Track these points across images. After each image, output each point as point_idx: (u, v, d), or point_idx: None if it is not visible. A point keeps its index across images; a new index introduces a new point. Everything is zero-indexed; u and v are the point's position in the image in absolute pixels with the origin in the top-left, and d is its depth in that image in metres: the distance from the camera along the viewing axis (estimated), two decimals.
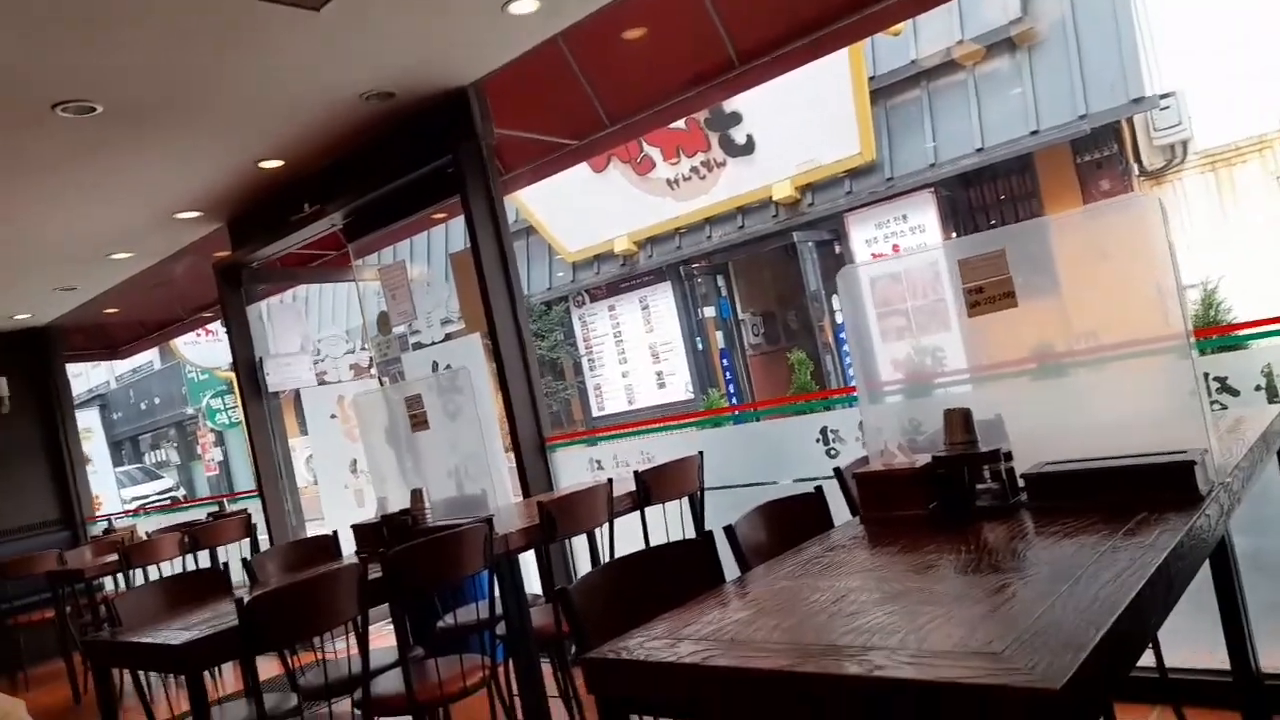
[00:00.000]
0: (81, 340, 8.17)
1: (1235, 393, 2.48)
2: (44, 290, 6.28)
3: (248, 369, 5.44)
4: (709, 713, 1.26)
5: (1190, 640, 2.36)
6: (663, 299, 12.84)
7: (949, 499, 1.76)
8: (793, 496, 2.01)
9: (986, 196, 10.27)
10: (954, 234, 10.10)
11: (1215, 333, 2.92)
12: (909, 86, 10.10)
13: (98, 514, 7.46)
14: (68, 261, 5.66)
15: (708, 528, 3.13)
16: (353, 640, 2.37)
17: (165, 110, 3.65)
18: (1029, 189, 9.96)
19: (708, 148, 11.35)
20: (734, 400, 12.00)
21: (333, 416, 5.62)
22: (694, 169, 11.55)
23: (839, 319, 10.98)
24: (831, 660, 1.09)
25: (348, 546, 3.12)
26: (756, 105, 10.51)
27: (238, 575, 3.06)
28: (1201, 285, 7.05)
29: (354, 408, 4.39)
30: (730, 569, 1.72)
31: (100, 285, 6.37)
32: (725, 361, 12.53)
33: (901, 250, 10.05)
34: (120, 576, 4.64)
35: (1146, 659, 2.37)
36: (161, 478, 19.64)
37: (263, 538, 5.21)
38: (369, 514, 3.36)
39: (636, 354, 13.22)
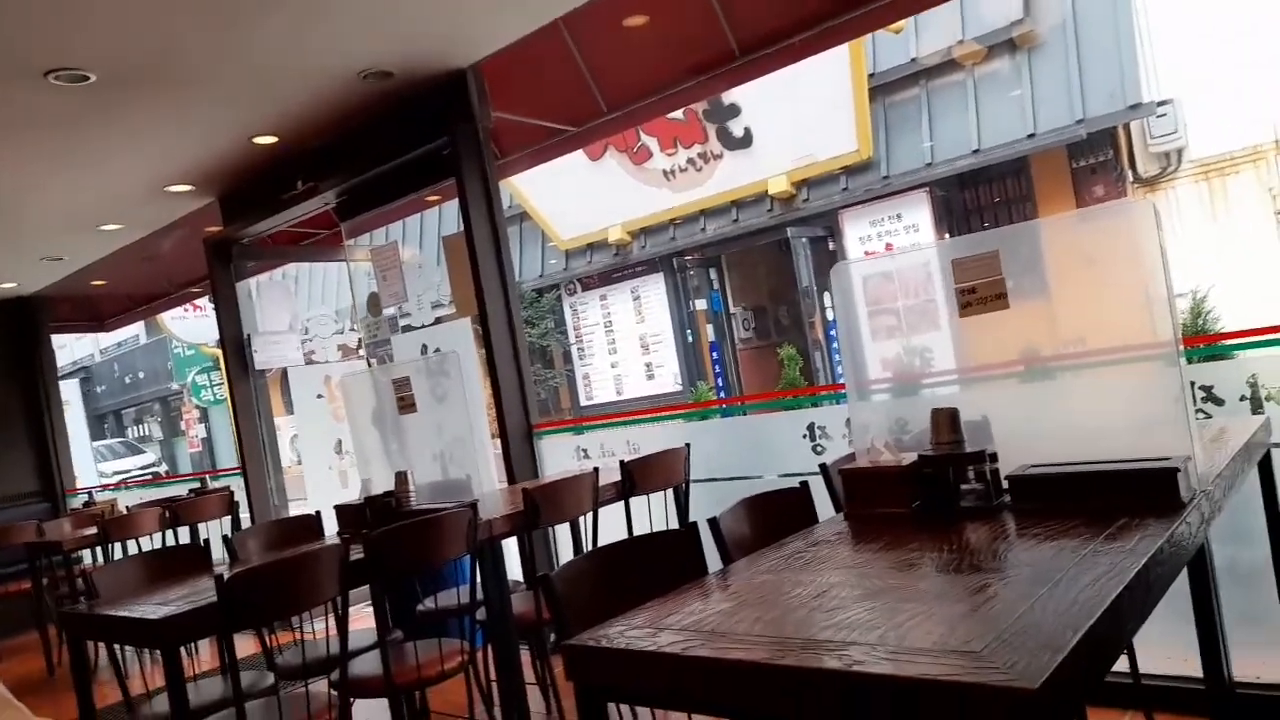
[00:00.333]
0: (67, 311, 8.10)
1: (1220, 402, 2.50)
2: (31, 259, 6.22)
3: (235, 346, 5.41)
4: (688, 703, 1.26)
5: (1164, 647, 2.38)
6: (654, 290, 12.83)
7: (933, 498, 1.76)
8: (778, 490, 2.01)
9: (981, 198, 10.29)
10: (947, 234, 10.13)
11: (1203, 341, 2.93)
12: (908, 85, 10.10)
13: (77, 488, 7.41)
14: (56, 231, 5.61)
15: (692, 520, 3.13)
16: (332, 621, 2.36)
17: (159, 81, 3.62)
18: (1023, 192, 9.99)
19: (705, 139, 11.33)
20: (723, 394, 12.01)
21: (319, 396, 5.60)
22: (690, 160, 11.53)
23: (830, 316, 11.00)
24: (811, 654, 1.09)
25: (330, 527, 3.11)
26: (755, 98, 10.49)
27: (219, 553, 3.05)
28: (1191, 294, 7.10)
29: (341, 388, 4.37)
30: (714, 561, 1.72)
31: (88, 256, 6.31)
32: (715, 355, 12.54)
33: (895, 249, 10.07)
34: (99, 550, 4.61)
35: (1121, 664, 2.39)
36: (144, 452, 19.54)
37: (245, 516, 5.19)
38: (353, 496, 3.35)
39: (626, 344, 13.22)
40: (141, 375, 21.46)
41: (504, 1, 3.37)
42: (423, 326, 4.72)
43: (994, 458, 1.74)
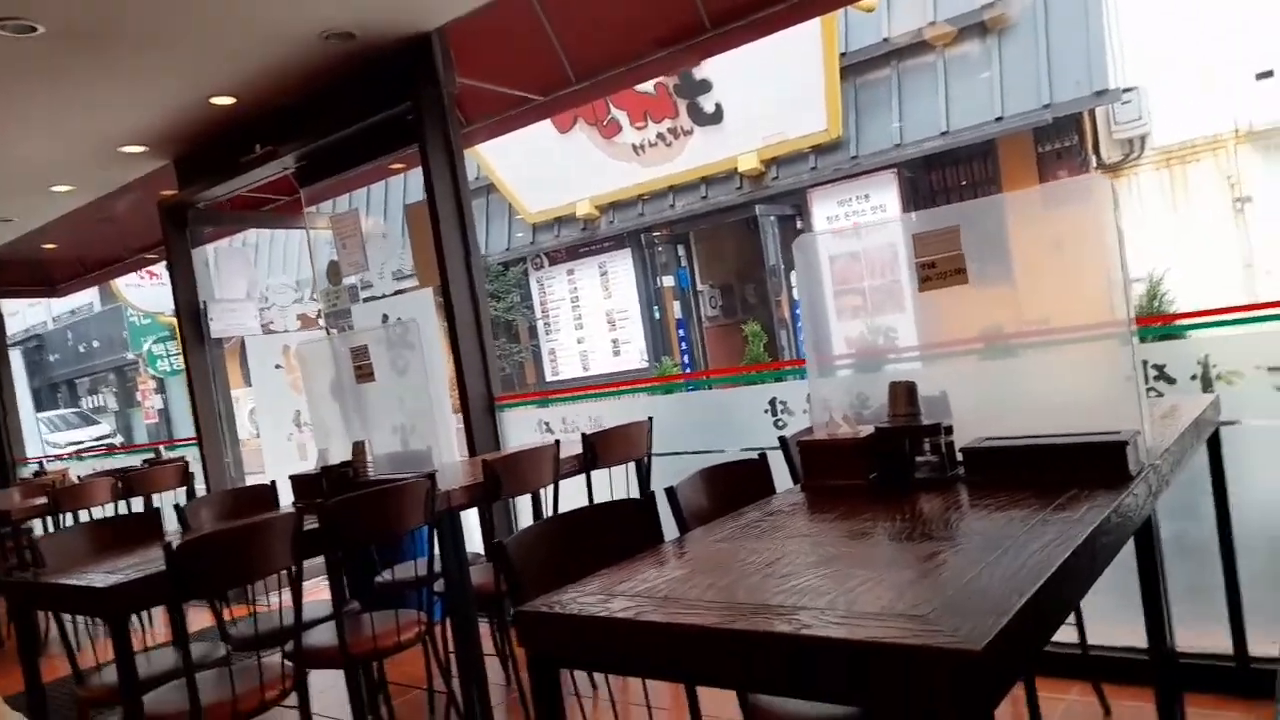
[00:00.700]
0: (17, 275, 7.86)
1: (1172, 380, 2.54)
2: None
3: (190, 314, 5.30)
4: (640, 668, 1.27)
5: (1113, 619, 2.43)
6: (622, 266, 12.79)
7: (889, 469, 1.77)
8: (736, 461, 2.01)
9: (948, 180, 10.37)
10: (913, 215, 10.19)
11: (1158, 321, 2.98)
12: (879, 65, 10.11)
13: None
14: (4, 192, 5.43)
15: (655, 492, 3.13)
16: (288, 594, 2.33)
17: (112, 35, 3.50)
18: (990, 175, 10.08)
19: (675, 115, 11.27)
20: (689, 370, 12.04)
21: (277, 367, 5.50)
22: (660, 135, 11.46)
23: (796, 295, 11.05)
24: (761, 618, 1.09)
25: (287, 498, 3.07)
26: (726, 74, 10.44)
27: (173, 524, 3.00)
28: (1148, 277, 7.23)
29: (298, 357, 4.30)
30: (671, 531, 1.72)
31: (39, 218, 6.13)
32: (681, 332, 12.55)
33: (858, 225, 10.11)
34: (49, 520, 4.51)
35: (1071, 635, 2.45)
36: (98, 423, 19.14)
37: (200, 487, 5.10)
38: (311, 467, 3.30)
39: (593, 320, 13.18)
40: (96, 344, 20.98)
41: None
42: (384, 296, 4.65)
43: (949, 430, 1.76)
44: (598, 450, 3.08)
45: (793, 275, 11.36)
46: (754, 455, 2.07)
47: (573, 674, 2.91)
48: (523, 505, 3.97)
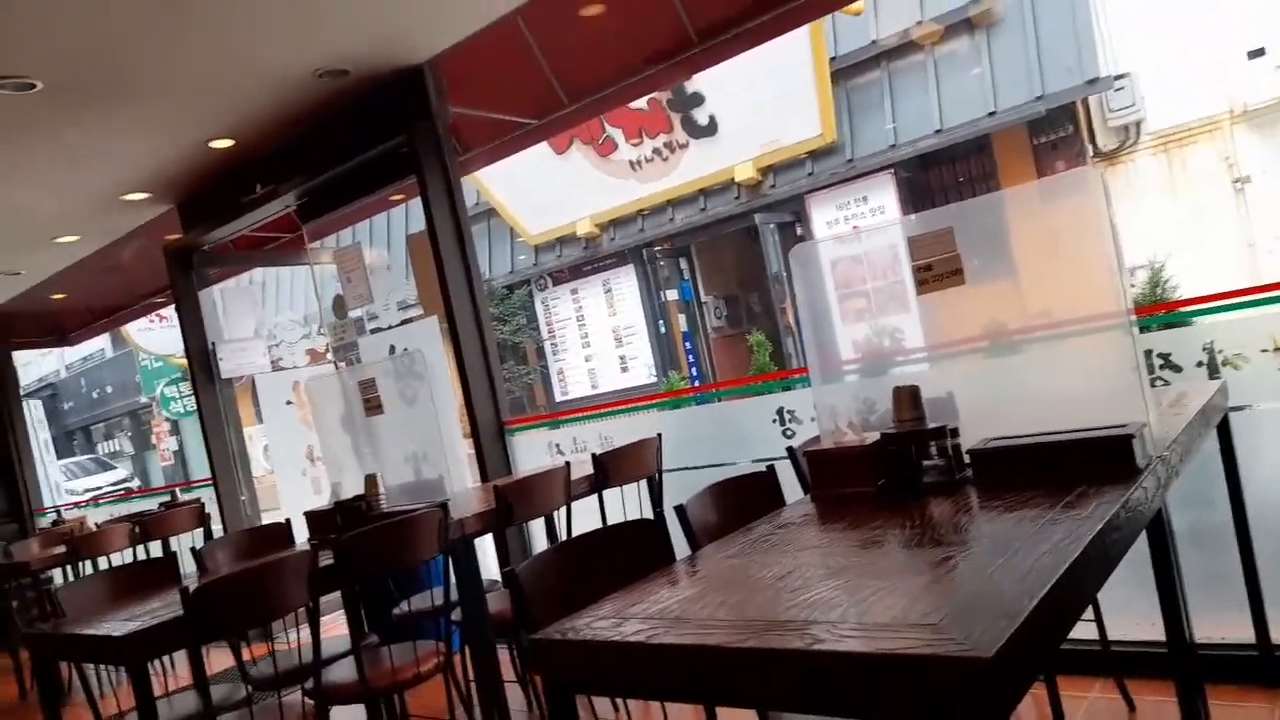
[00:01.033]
0: (28, 326, 7.95)
1: (1178, 369, 2.53)
2: None
3: (200, 355, 5.33)
4: (655, 691, 1.27)
5: (1133, 614, 2.42)
6: (625, 282, 12.81)
7: (897, 475, 1.77)
8: (744, 475, 2.01)
9: (945, 178, 10.37)
10: (913, 216, 10.18)
11: (1160, 309, 2.97)
12: (869, 67, 10.14)
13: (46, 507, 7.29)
14: (10, 246, 5.49)
15: (667, 510, 3.13)
16: (306, 630, 2.34)
17: (109, 87, 3.55)
18: (987, 170, 10.07)
19: (670, 129, 11.32)
20: (697, 383, 12.03)
21: (288, 403, 5.54)
22: (656, 150, 11.51)
23: None
24: (775, 635, 1.09)
25: (302, 534, 3.08)
26: (719, 86, 10.49)
27: (191, 567, 3.01)
28: (1149, 264, 7.19)
29: (307, 392, 4.32)
30: (682, 549, 1.72)
31: (46, 270, 6.19)
32: (688, 345, 12.55)
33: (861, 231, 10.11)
34: (69, 569, 4.53)
35: (1090, 632, 2.43)
36: (115, 468, 19.22)
37: (217, 528, 5.12)
38: (325, 502, 3.31)
39: (599, 337, 13.20)
40: (109, 389, 21.11)
41: None
42: (390, 327, 4.68)
43: (955, 432, 1.76)
44: (608, 470, 3.08)
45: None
46: (764, 467, 2.07)
47: (590, 699, 2.90)
48: (537, 528, 3.97)
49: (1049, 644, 1.05)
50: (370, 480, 2.86)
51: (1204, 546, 2.46)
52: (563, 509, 2.99)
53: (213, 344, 5.34)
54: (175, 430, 18.60)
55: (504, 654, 3.31)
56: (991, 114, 9.22)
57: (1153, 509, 1.52)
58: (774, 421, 3.35)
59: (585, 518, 3.02)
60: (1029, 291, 2.01)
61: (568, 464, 3.05)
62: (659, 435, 3.33)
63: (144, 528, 4.59)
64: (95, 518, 6.06)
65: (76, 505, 7.64)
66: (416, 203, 4.27)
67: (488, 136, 4.70)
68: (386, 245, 13.16)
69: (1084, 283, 1.83)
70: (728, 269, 12.82)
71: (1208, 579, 2.40)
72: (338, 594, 2.45)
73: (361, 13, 3.37)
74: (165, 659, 4.53)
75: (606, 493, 3.10)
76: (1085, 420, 1.65)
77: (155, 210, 5.26)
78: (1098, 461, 1.54)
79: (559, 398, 13.64)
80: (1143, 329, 2.61)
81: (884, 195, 10.36)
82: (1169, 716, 2.34)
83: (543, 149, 11.79)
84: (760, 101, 10.32)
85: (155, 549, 4.72)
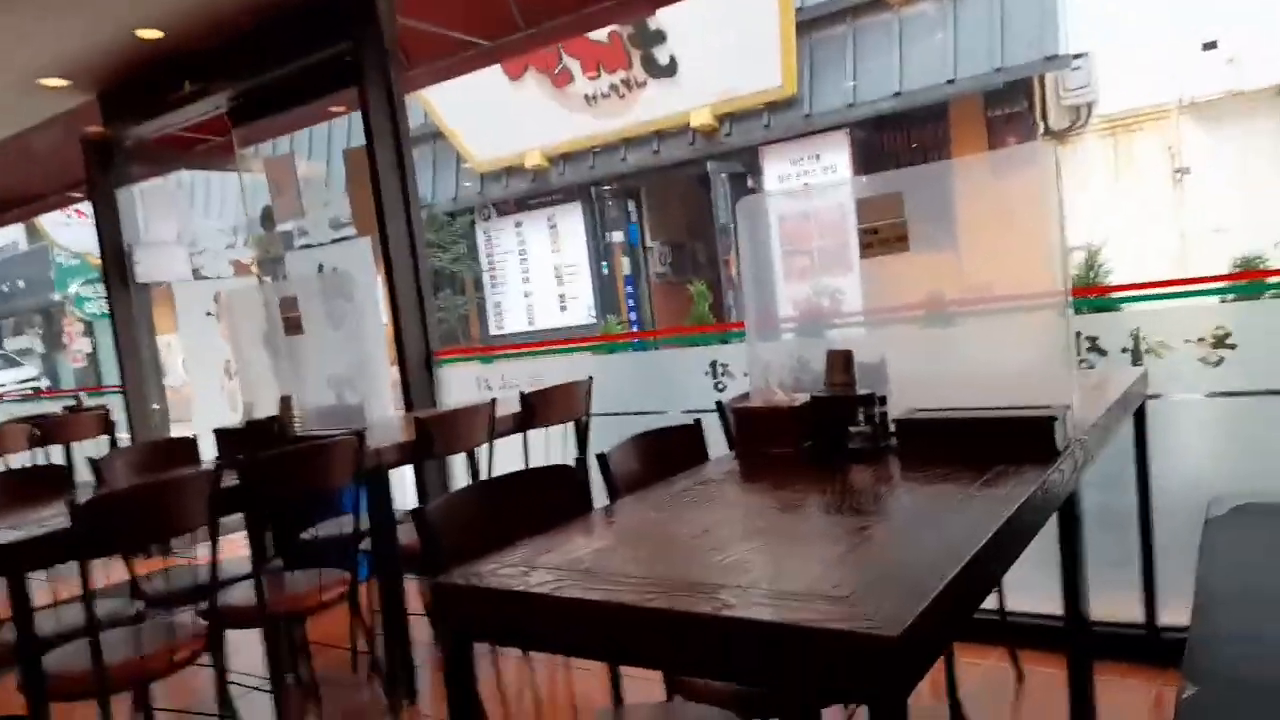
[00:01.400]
0: None
1: (1104, 353, 2.57)
2: None
3: (115, 256, 5.07)
4: (557, 645, 1.23)
5: (1030, 586, 2.48)
6: (571, 220, 12.61)
7: (823, 439, 1.76)
8: (670, 428, 1.98)
9: (899, 143, 10.38)
10: (864, 178, 10.20)
11: (1092, 293, 3.01)
12: (835, 21, 10.02)
13: None
14: None
15: (592, 454, 3.10)
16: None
17: None
18: (940, 139, 10.12)
19: (629, 66, 11.05)
20: (635, 328, 12.00)
21: (209, 314, 5.31)
22: (614, 86, 11.25)
23: None
24: (684, 597, 1.06)
25: (211, 452, 2.96)
26: (682, 25, 10.25)
27: (88, 476, 2.87)
28: (1086, 247, 7.35)
29: (226, 304, 4.14)
30: (602, 498, 1.69)
31: None
32: (630, 288, 12.47)
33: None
34: None
35: (991, 603, 2.49)
36: (21, 365, 18.38)
37: (124, 436, 4.93)
38: (239, 420, 3.19)
39: (540, 274, 13.02)
40: (21, 284, 20.08)
41: None
42: (321, 245, 4.48)
43: (883, 401, 1.74)
44: (535, 409, 3.02)
45: None
46: (694, 418, 2.03)
47: (495, 648, 2.87)
48: (459, 464, 3.91)
49: (956, 623, 1.04)
50: (285, 402, 2.75)
51: (1102, 527, 2.53)
52: (485, 446, 2.93)
53: (129, 245, 5.07)
54: (89, 332, 17.85)
55: (414, 586, 3.27)
56: (950, 81, 9.23)
57: (1067, 491, 1.54)
58: (707, 374, 3.32)
59: (509, 457, 2.97)
60: (971, 264, 2.00)
61: (493, 400, 2.99)
62: (590, 378, 3.28)
63: (44, 431, 4.39)
64: None
65: None
66: (357, 116, 4.08)
67: (437, 53, 4.48)
68: (327, 159, 12.66)
69: (1025, 260, 1.82)
70: (676, 216, 12.72)
71: (1101, 559, 2.48)
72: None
73: None
74: (63, 568, 4.37)
75: (532, 433, 3.05)
76: (1012, 397, 1.65)
77: (75, 99, 4.93)
78: (1019, 440, 1.54)
79: (494, 331, 13.47)
80: (1075, 311, 2.64)
81: (837, 155, 10.35)
82: (1056, 688, 2.43)
83: (496, 74, 11.42)
84: (722, 46, 10.13)
85: (56, 454, 4.53)
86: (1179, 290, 2.65)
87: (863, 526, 1.29)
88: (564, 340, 4.42)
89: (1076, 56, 9.08)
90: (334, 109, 5.10)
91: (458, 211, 13.35)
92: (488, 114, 11.74)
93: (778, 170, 10.75)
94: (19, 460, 4.42)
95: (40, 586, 4.29)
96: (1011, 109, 9.58)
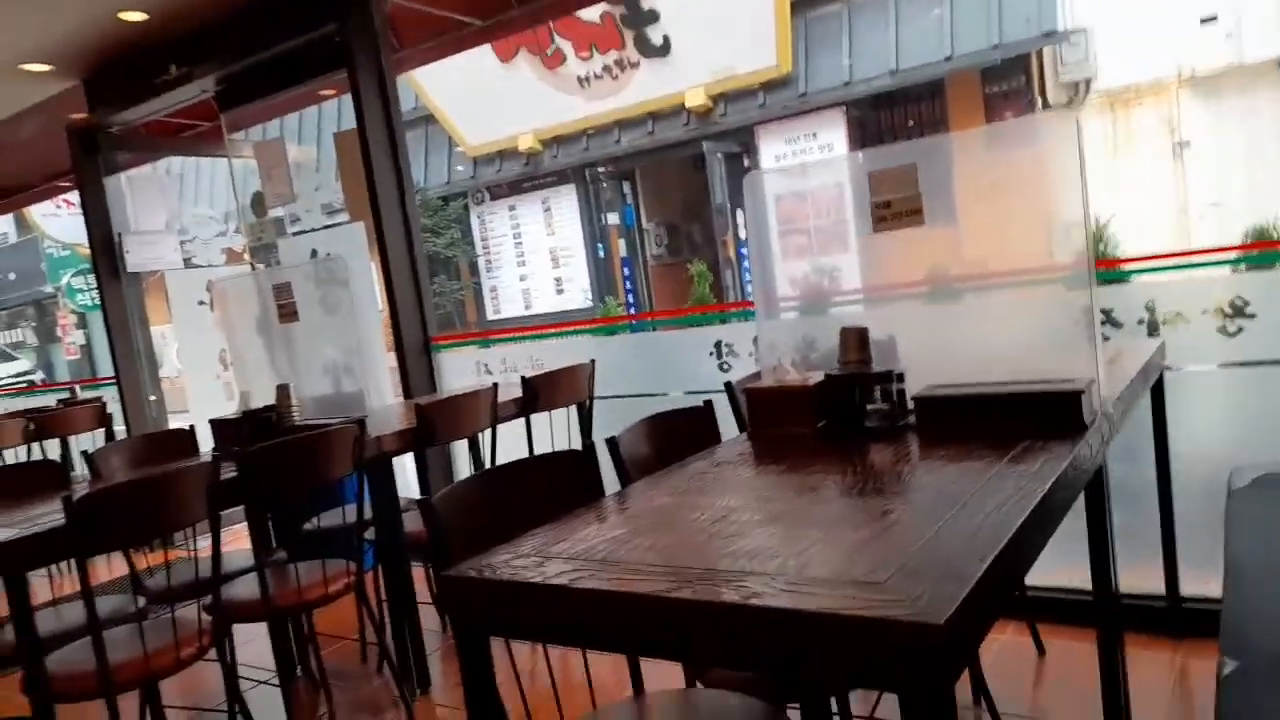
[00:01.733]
0: None
1: (1119, 325, 2.53)
2: None
3: (104, 246, 4.98)
4: (575, 639, 1.18)
5: (1048, 559, 2.44)
6: (566, 202, 12.51)
7: (838, 418, 1.71)
8: (680, 409, 1.93)
9: (896, 120, 10.29)
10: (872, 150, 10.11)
11: (1103, 266, 2.96)
12: None
13: None
14: None
15: (597, 438, 3.05)
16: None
17: None
18: (937, 116, 10.03)
19: (622, 46, 10.92)
20: (633, 310, 11.93)
21: (201, 303, 5.24)
22: (606, 67, 11.12)
23: (743, 234, 10.95)
24: (707, 586, 1.01)
25: (209, 443, 2.90)
26: (675, 4, 10.13)
27: (84, 470, 2.81)
28: (1094, 220, 7.28)
29: (219, 293, 4.07)
30: (612, 483, 1.63)
31: None
32: (626, 270, 12.39)
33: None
34: None
35: None
36: (15, 359, 18.26)
37: (120, 429, 4.87)
38: (236, 410, 3.13)
39: (536, 257, 12.92)
40: (12, 276, 19.90)
41: None
42: (314, 230, 4.41)
43: (900, 377, 1.69)
44: (538, 393, 2.97)
45: (739, 214, 11.24)
46: (699, 399, 1.99)
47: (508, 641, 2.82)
48: (461, 450, 3.86)
49: (997, 607, 0.99)
50: (282, 391, 2.69)
51: (1122, 501, 2.50)
52: (488, 431, 2.88)
53: (119, 235, 4.99)
54: (83, 324, 17.72)
55: (421, 573, 3.23)
56: (948, 59, 9.13)
57: (1095, 466, 1.49)
58: (710, 354, 3.27)
59: (511, 442, 2.92)
60: (984, 236, 1.94)
61: (495, 385, 2.93)
62: (592, 361, 3.23)
63: (40, 425, 4.32)
64: None
65: None
66: (348, 99, 4.00)
67: (427, 33, 4.39)
68: (317, 142, 12.52)
69: (1043, 230, 1.76)
70: (672, 196, 12.61)
71: (1120, 532, 2.44)
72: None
73: None
74: (66, 564, 4.32)
75: (535, 418, 3.00)
76: (1030, 372, 1.60)
77: (59, 85, 4.84)
78: (1044, 416, 1.49)
79: (490, 315, 13.38)
80: None
81: (834, 133, 10.25)
82: (1078, 660, 2.40)
83: (488, 55, 11.29)
84: (717, 24, 10.01)
85: (53, 448, 4.47)
86: (1193, 261, 2.60)
87: (887, 508, 1.24)
88: (564, 323, 4.35)
89: (1074, 32, 8.99)
90: (324, 91, 5.00)
91: (451, 196, 13.23)
92: (479, 97, 11.61)
93: (774, 149, 10.65)
94: (14, 455, 4.36)
95: (39, 581, 4.24)
96: (1009, 86, 9.49)
